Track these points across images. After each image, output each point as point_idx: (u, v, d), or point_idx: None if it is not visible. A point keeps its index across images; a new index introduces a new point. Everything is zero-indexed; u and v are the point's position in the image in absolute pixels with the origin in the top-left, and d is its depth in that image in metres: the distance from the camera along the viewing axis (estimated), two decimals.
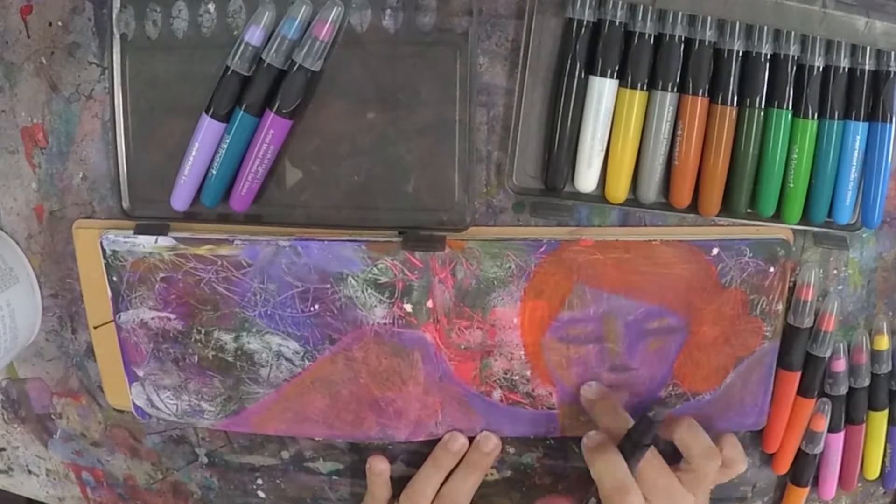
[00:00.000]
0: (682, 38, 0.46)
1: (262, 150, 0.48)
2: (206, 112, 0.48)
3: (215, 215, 0.52)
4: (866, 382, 0.54)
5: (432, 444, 0.56)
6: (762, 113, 0.47)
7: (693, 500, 0.48)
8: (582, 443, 0.50)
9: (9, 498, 0.66)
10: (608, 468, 0.48)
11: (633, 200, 0.50)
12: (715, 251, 0.50)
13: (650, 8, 0.45)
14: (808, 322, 0.52)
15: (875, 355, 0.54)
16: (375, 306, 0.51)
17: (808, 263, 0.53)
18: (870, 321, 0.54)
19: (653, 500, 0.47)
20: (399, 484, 0.59)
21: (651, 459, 0.48)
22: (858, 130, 0.47)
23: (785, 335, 0.53)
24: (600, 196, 0.50)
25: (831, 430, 0.55)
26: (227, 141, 0.48)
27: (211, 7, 0.49)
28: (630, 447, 0.48)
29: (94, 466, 0.61)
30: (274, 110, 0.47)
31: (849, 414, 0.55)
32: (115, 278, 0.52)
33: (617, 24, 0.46)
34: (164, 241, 0.51)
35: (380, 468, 0.55)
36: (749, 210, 0.49)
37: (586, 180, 0.49)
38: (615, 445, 0.48)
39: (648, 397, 0.54)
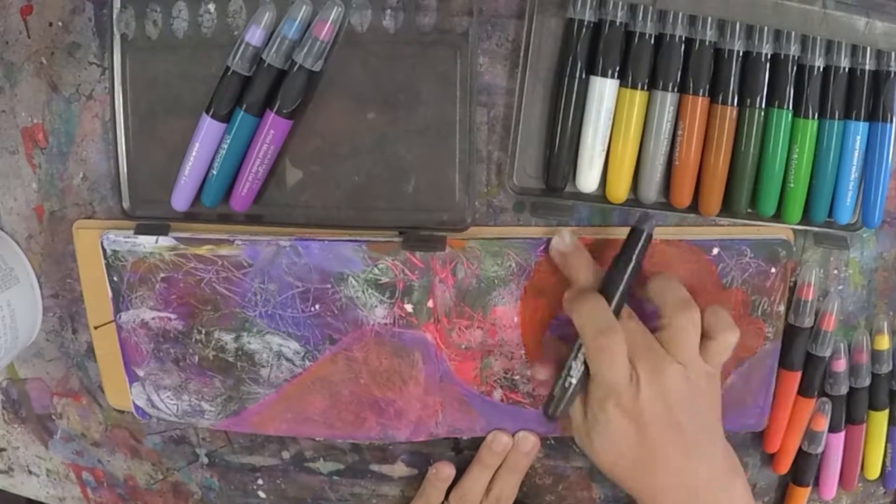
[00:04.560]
0: (683, 38, 0.46)
1: (262, 150, 0.48)
2: (207, 112, 0.48)
3: (216, 215, 0.52)
4: (867, 382, 0.54)
5: (433, 444, 0.57)
6: (762, 113, 0.47)
7: (678, 367, 0.45)
8: (564, 297, 0.47)
9: (9, 498, 0.66)
10: (592, 311, 0.45)
11: (634, 200, 0.50)
12: (715, 251, 0.50)
13: (651, 8, 0.45)
14: (808, 322, 0.52)
15: (875, 355, 0.54)
16: (376, 306, 0.51)
17: (808, 263, 0.53)
18: (870, 321, 0.54)
19: (631, 359, 0.44)
20: (402, 484, 0.59)
21: (627, 317, 0.46)
22: (859, 130, 0.47)
23: (785, 335, 0.53)
24: (601, 196, 0.50)
25: (832, 430, 0.55)
26: (228, 141, 0.48)
27: (211, 7, 0.49)
28: (617, 272, 0.45)
29: (95, 467, 0.61)
30: (274, 110, 0.47)
31: (849, 414, 0.55)
32: (115, 278, 0.52)
33: (617, 24, 0.46)
34: (165, 241, 0.51)
35: (447, 474, 0.56)
36: (749, 210, 0.49)
37: (588, 180, 0.49)
38: (597, 291, 0.46)
39: None
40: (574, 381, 0.47)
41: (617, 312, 0.46)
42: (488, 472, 0.55)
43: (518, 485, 0.56)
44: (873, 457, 0.56)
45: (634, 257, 0.46)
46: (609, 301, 0.46)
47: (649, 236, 0.46)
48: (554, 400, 0.48)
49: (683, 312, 0.45)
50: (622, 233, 0.51)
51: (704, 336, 0.46)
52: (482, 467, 0.55)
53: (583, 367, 0.46)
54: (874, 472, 0.56)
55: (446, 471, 0.56)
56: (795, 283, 0.53)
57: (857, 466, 0.56)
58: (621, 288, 0.46)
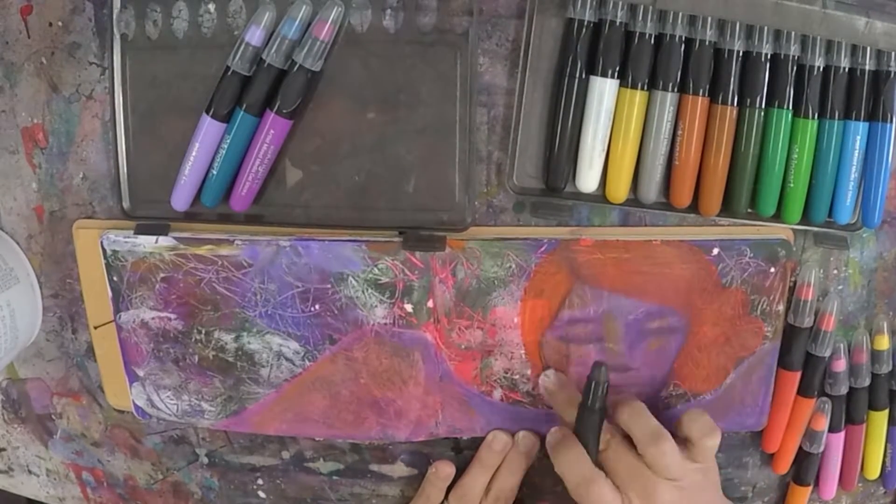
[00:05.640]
0: (683, 38, 0.46)
1: (262, 150, 0.48)
2: (207, 112, 0.48)
3: (215, 215, 0.52)
4: (866, 382, 0.54)
5: (433, 444, 0.57)
6: (762, 113, 0.47)
7: (667, 484, 0.46)
8: (546, 442, 0.50)
9: (9, 498, 0.66)
10: (570, 462, 0.47)
11: (634, 200, 0.50)
12: (715, 251, 0.50)
13: (651, 8, 0.45)
14: (808, 322, 0.52)
15: (875, 355, 0.54)
16: (376, 306, 0.51)
17: (808, 263, 0.53)
18: (870, 321, 0.54)
19: (622, 487, 0.47)
20: (402, 484, 0.59)
21: (614, 445, 0.48)
22: (858, 130, 0.47)
23: (785, 335, 0.53)
24: (601, 196, 0.50)
25: (832, 430, 0.55)
26: (228, 141, 0.48)
27: (211, 7, 0.49)
28: (585, 419, 0.48)
29: (95, 466, 0.61)
30: (274, 110, 0.47)
31: (849, 414, 0.55)
32: (115, 278, 0.52)
33: (617, 24, 0.46)
34: (165, 241, 0.51)
35: (447, 473, 0.56)
36: (749, 210, 0.49)
37: (587, 180, 0.49)
38: (576, 437, 0.48)
39: (649, 397, 0.54)
40: None
41: (594, 455, 0.48)
42: (488, 471, 0.55)
43: (518, 484, 0.56)
44: (873, 457, 0.56)
45: (598, 408, 0.47)
46: (586, 446, 0.48)
47: (606, 384, 0.48)
48: None
49: (656, 445, 0.46)
50: (623, 233, 0.51)
51: (687, 440, 0.47)
52: (482, 467, 0.55)
53: None
54: (874, 472, 0.56)
55: (446, 470, 0.56)
56: (795, 282, 0.53)
57: (857, 466, 0.56)
58: (594, 434, 0.48)
